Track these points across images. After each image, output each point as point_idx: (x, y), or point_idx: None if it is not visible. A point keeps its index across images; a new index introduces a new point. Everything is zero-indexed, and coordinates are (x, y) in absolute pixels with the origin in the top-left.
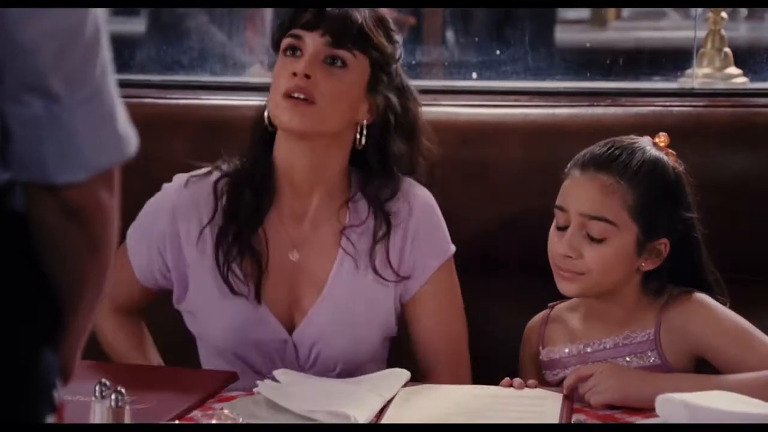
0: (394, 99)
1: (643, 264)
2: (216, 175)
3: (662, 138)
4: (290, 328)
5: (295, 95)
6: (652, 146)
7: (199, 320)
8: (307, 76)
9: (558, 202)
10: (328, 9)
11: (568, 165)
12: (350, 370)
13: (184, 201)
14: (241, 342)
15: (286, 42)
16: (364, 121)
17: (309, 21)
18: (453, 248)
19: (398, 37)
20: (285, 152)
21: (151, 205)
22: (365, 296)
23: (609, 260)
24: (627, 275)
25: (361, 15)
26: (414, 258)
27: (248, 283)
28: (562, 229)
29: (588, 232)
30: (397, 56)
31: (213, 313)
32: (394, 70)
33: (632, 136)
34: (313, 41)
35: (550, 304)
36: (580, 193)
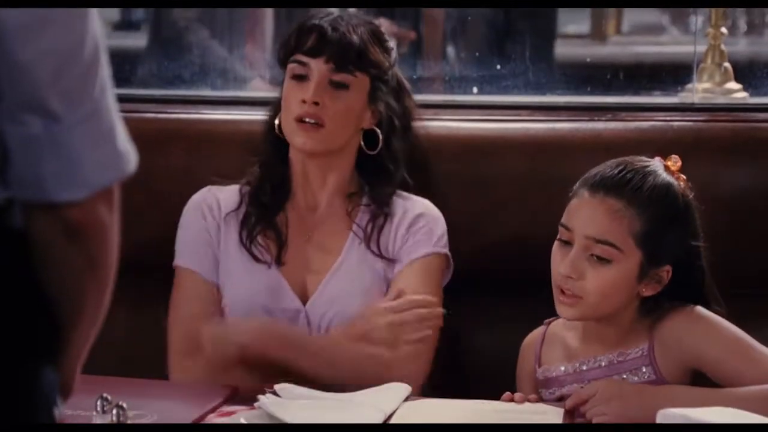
0: (392, 102)
1: (643, 289)
2: (237, 185)
3: (674, 161)
4: (304, 301)
5: (307, 120)
6: (664, 170)
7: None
8: (316, 103)
9: (563, 220)
10: (328, 33)
11: (577, 183)
12: None
13: (207, 201)
14: (259, 312)
15: (292, 68)
16: (378, 130)
17: (313, 47)
18: (443, 257)
19: (391, 44)
20: (298, 161)
21: (182, 217)
22: (372, 268)
23: (610, 284)
24: (626, 300)
25: (358, 36)
26: (404, 246)
27: (270, 252)
28: (564, 243)
29: (591, 254)
30: (392, 63)
31: (236, 281)
32: (390, 75)
33: (644, 158)
34: (318, 67)
35: (546, 321)
36: (587, 215)
